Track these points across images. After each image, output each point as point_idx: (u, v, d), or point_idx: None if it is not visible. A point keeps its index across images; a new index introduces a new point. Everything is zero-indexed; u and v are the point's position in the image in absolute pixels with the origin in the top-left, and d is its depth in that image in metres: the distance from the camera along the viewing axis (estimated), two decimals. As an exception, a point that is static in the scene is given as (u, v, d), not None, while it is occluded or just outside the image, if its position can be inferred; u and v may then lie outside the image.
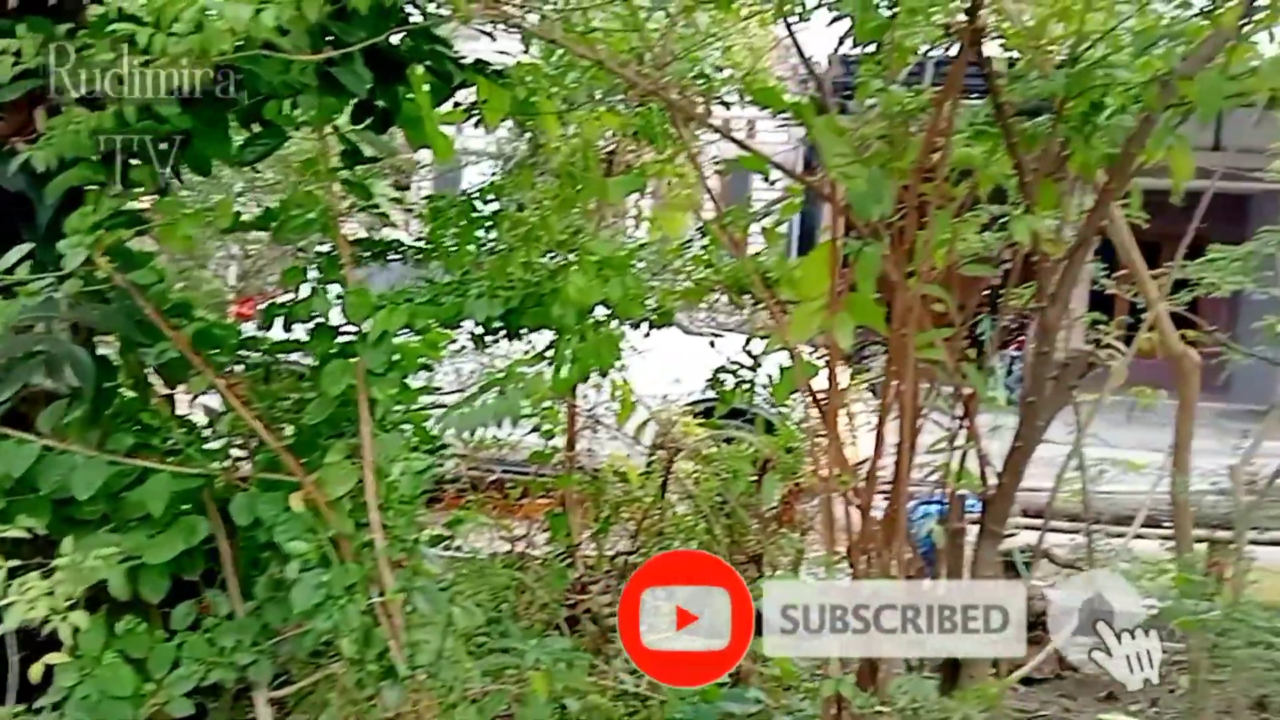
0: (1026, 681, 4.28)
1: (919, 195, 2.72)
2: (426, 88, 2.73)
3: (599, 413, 4.15)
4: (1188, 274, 4.32)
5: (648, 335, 3.24)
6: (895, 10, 2.71)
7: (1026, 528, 4.93)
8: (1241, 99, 2.50)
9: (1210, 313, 4.65)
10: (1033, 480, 5.25)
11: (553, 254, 2.90)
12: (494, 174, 4.41)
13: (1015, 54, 2.85)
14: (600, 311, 2.81)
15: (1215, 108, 2.28)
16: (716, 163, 4.02)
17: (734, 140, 2.88)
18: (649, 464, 4.35)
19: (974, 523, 4.97)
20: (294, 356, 2.84)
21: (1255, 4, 2.48)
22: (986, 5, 2.49)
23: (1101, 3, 2.69)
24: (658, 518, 4.21)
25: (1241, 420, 6.41)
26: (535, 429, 3.52)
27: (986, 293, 3.39)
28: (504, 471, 4.17)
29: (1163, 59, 2.59)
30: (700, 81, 3.84)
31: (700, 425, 4.21)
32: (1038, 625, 4.48)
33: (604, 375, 2.90)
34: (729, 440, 4.35)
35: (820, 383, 2.80)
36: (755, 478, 3.95)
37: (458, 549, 3.88)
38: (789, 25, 3.29)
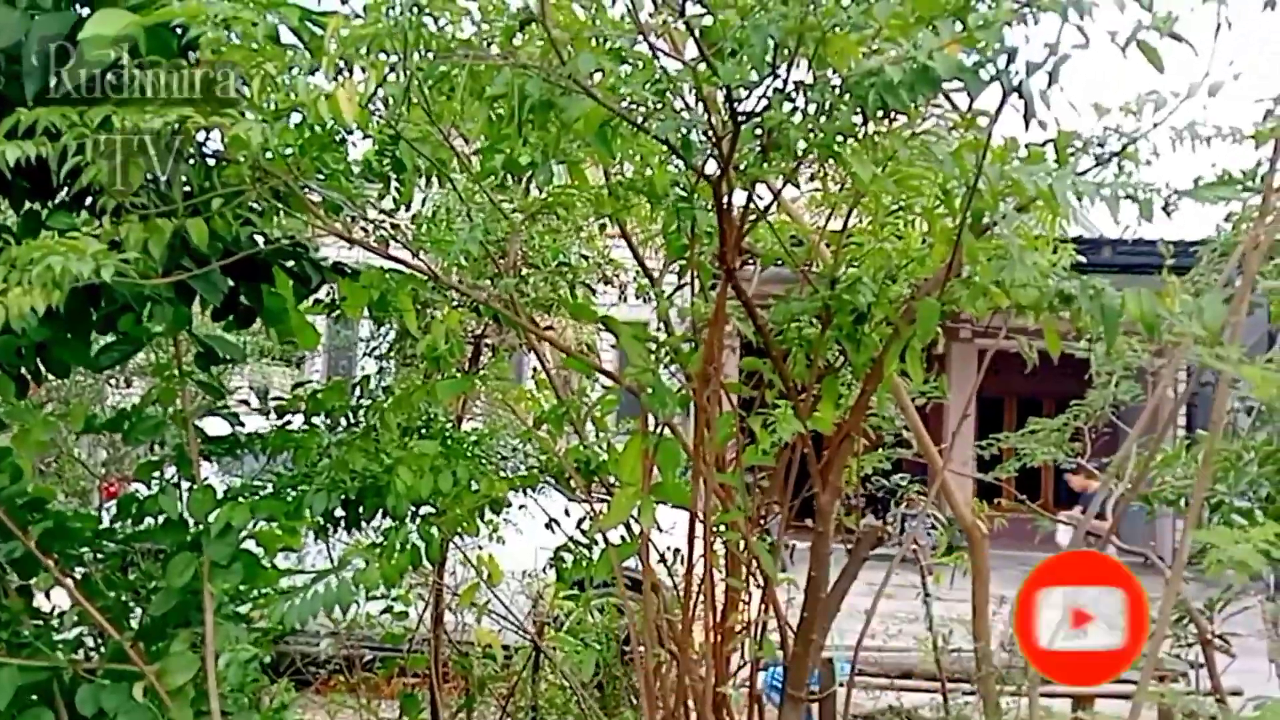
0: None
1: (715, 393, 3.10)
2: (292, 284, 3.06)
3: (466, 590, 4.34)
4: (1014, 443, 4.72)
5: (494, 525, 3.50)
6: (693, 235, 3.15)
7: (889, 688, 5.17)
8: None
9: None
10: (898, 641, 5.52)
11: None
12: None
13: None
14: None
15: (931, 330, 2.71)
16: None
17: (557, 346, 3.24)
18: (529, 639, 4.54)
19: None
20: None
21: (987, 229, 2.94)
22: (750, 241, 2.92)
23: (858, 233, 3.15)
24: (529, 693, 4.39)
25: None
26: (388, 610, 3.72)
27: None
28: (375, 650, 4.33)
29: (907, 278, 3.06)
30: (564, 269, 4.28)
31: (568, 599, 4.42)
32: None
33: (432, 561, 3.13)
34: (602, 610, 4.57)
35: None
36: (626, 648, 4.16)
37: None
38: (627, 237, 3.76)
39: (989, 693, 3.43)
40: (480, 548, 4.25)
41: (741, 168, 2.69)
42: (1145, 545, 4.78)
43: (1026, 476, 7.17)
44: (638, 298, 4.48)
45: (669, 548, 3.36)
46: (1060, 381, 4.67)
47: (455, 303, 3.89)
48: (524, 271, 4.14)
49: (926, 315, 2.73)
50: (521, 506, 4.15)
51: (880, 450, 4.35)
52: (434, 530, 3.01)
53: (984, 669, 3.45)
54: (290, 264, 3.05)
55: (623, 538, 3.27)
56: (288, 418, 3.29)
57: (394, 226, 3.75)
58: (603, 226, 4.09)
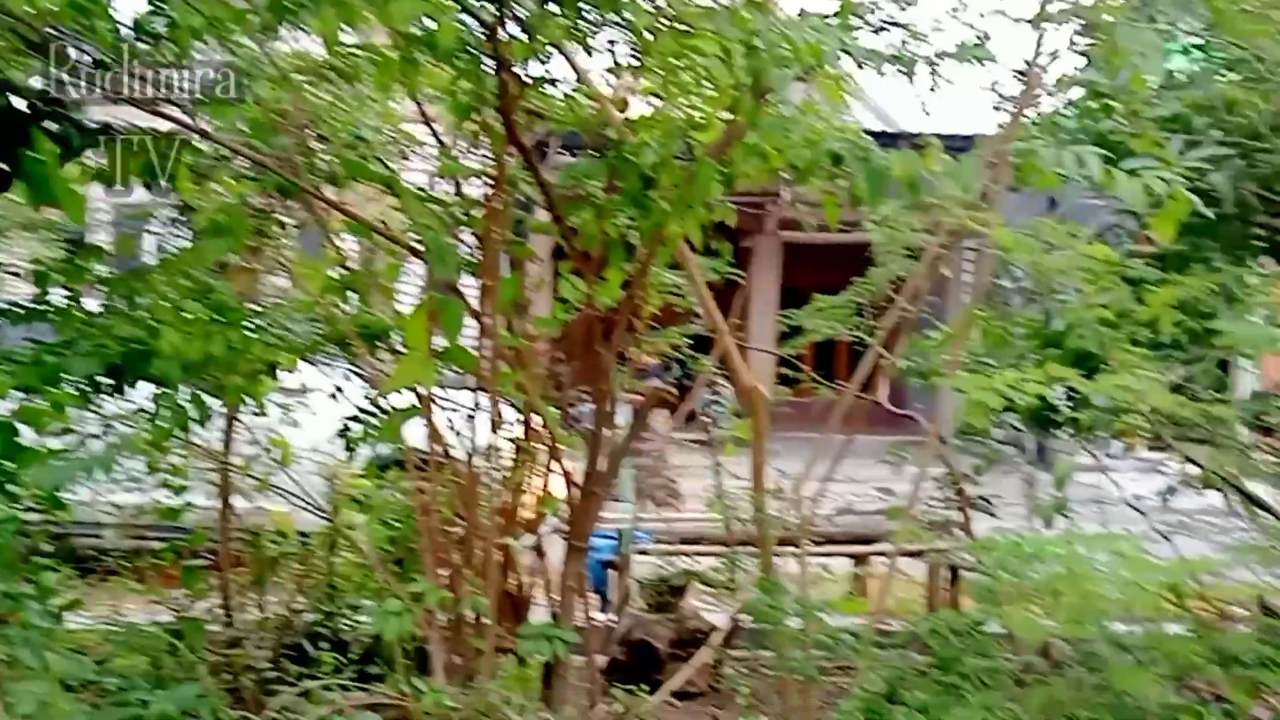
0: (682, 695, 4.66)
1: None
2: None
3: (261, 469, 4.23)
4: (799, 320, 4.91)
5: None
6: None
7: (681, 553, 5.40)
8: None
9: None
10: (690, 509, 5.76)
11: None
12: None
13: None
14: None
15: (710, 190, 2.77)
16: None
17: (342, 211, 3.14)
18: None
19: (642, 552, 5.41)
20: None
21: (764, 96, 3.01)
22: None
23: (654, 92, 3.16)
24: (326, 571, 4.35)
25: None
26: (165, 485, 3.60)
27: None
28: (163, 539, 4.18)
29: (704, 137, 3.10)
30: (357, 142, 4.12)
31: (363, 477, 4.37)
32: (693, 643, 4.92)
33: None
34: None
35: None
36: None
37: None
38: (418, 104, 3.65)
39: (767, 551, 3.62)
40: (272, 431, 4.14)
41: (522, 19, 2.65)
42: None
43: (824, 356, 7.50)
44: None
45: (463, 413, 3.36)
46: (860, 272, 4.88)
47: (239, 174, 3.70)
48: (312, 145, 3.97)
49: (705, 175, 2.78)
50: (314, 390, 4.07)
51: (681, 326, 4.45)
52: (205, 397, 2.89)
53: (762, 528, 3.63)
54: (51, 125, 2.82)
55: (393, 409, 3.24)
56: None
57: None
58: (391, 90, 3.94)
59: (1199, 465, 3.69)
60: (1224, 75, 4.46)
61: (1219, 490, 3.91)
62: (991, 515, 5.10)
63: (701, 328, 4.46)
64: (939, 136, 3.16)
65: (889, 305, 4.17)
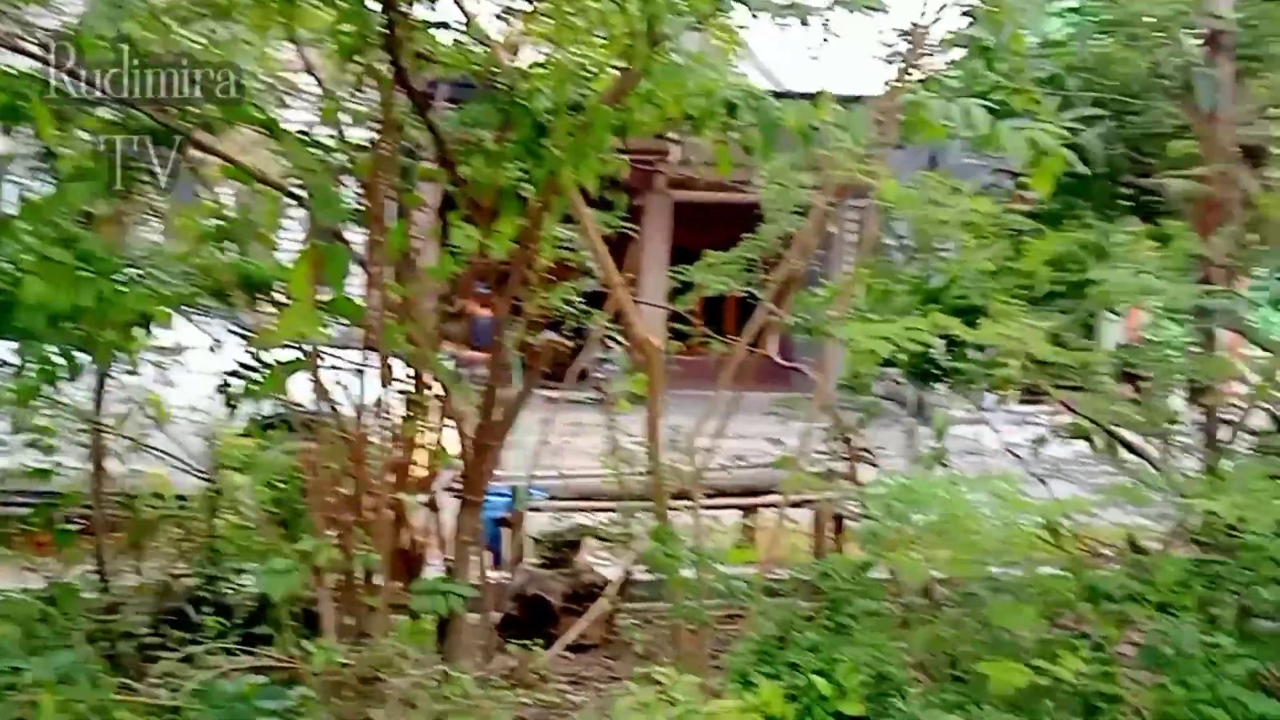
0: (576, 648, 4.68)
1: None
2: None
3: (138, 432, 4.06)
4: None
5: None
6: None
7: (575, 509, 5.41)
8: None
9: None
10: (585, 466, 5.77)
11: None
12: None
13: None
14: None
15: (606, 139, 2.74)
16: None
17: (214, 154, 3.00)
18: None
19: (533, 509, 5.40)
20: None
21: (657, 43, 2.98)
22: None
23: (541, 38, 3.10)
24: (208, 534, 4.21)
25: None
26: (33, 446, 3.42)
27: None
28: (30, 502, 3.97)
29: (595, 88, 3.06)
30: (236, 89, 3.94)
31: (245, 436, 4.22)
32: (588, 597, 4.94)
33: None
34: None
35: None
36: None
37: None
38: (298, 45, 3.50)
39: (661, 503, 3.64)
40: (147, 389, 3.97)
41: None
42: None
43: (714, 313, 7.53)
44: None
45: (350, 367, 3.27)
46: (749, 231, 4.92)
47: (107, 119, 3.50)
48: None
49: (600, 123, 2.75)
50: (191, 346, 3.90)
51: (574, 281, 4.41)
52: (75, 352, 2.75)
53: (656, 480, 3.65)
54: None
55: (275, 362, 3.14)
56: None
57: (28, 25, 3.31)
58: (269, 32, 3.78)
59: (1073, 411, 3.85)
60: (1098, 37, 4.62)
61: (1087, 439, 4.10)
62: (874, 466, 5.24)
63: (594, 284, 4.45)
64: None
65: (778, 261, 4.22)
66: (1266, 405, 3.98)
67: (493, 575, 4.60)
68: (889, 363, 4.49)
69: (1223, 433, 4.05)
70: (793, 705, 2.74)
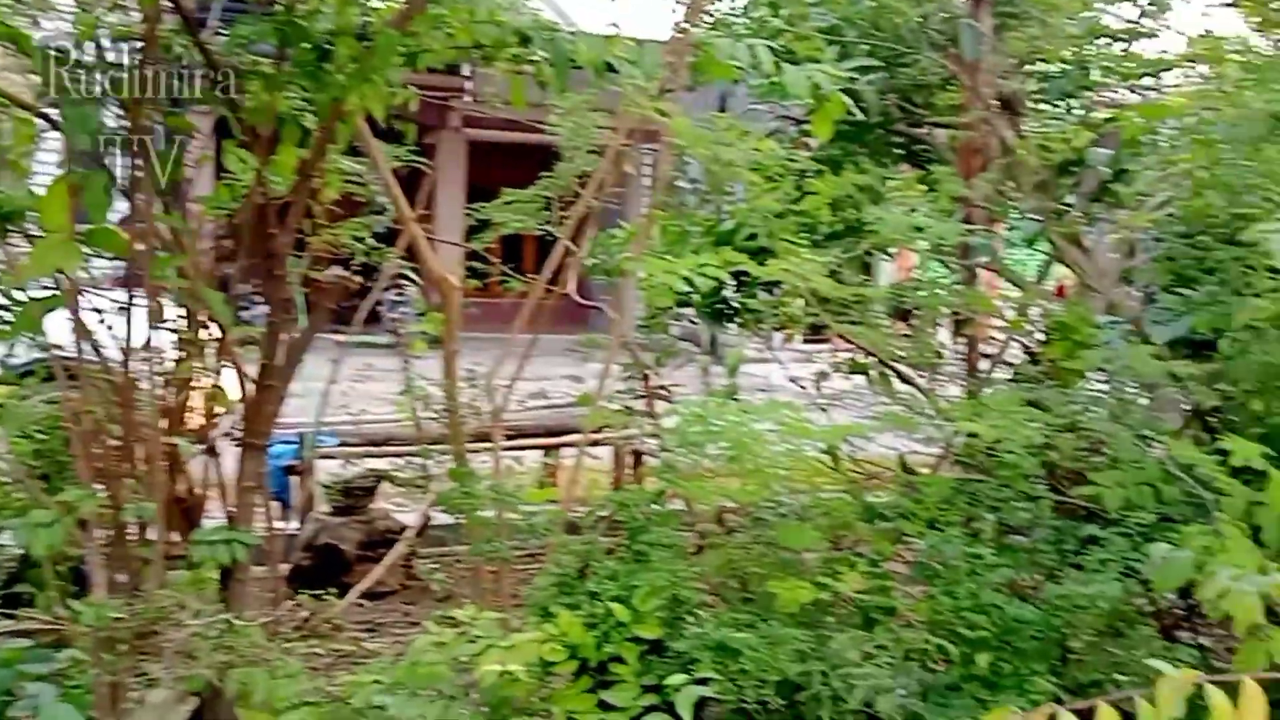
0: (373, 596, 4.60)
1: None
2: None
3: None
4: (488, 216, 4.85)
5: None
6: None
7: (368, 454, 5.29)
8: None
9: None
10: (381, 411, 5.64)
11: None
12: None
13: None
14: None
15: (391, 62, 2.64)
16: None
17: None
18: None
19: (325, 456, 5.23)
20: None
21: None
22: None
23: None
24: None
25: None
26: None
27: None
28: None
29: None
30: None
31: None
32: (384, 544, 4.85)
33: None
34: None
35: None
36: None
37: None
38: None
39: (459, 444, 3.60)
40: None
41: None
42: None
43: (513, 253, 7.46)
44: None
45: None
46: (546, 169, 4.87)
47: None
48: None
49: (386, 46, 2.64)
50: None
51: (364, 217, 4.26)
52: None
53: (454, 421, 3.61)
54: None
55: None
56: None
57: None
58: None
59: (853, 346, 4.06)
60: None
61: (865, 372, 4.34)
62: (671, 403, 5.38)
63: (386, 223, 4.31)
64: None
65: (575, 200, 4.22)
66: (1020, 339, 4.33)
67: (280, 524, 4.44)
68: (684, 303, 4.62)
69: (984, 364, 4.38)
70: (592, 633, 2.79)
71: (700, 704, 2.71)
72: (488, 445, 3.99)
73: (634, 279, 3.77)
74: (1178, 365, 3.51)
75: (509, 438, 4.89)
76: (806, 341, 6.46)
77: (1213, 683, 1.60)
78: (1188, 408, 3.69)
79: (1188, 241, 3.78)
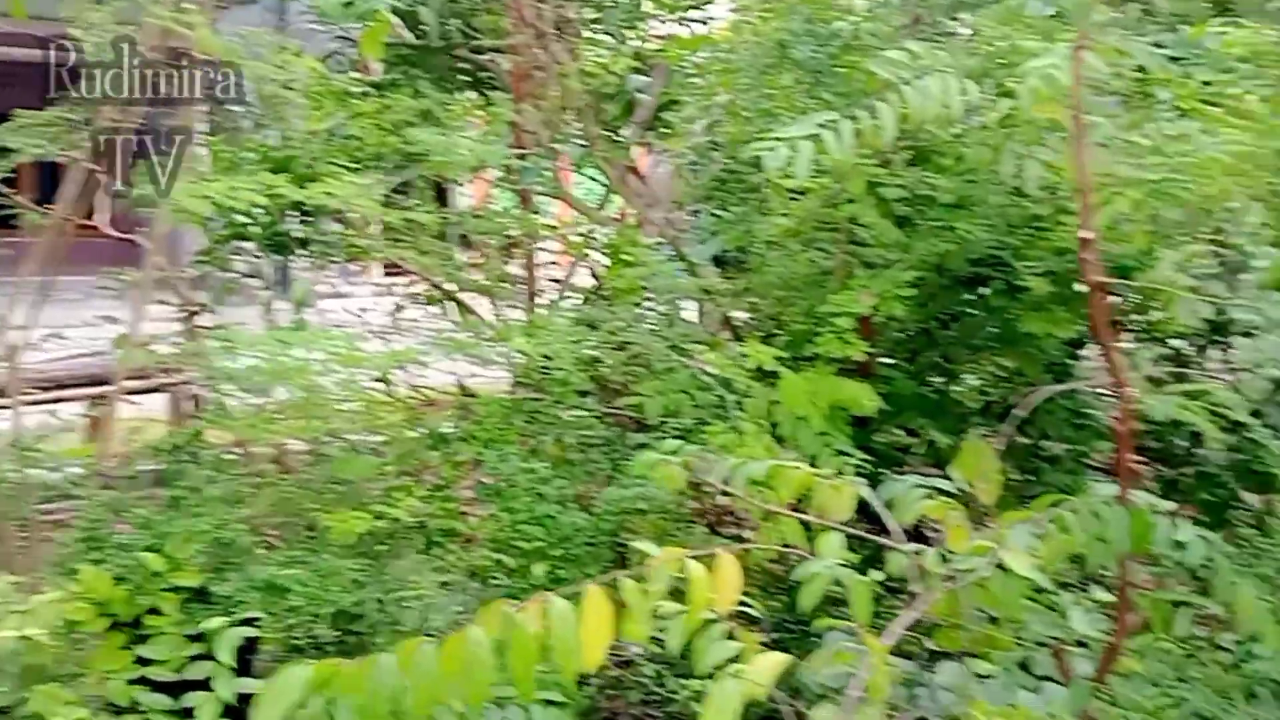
0: None
1: None
2: None
3: None
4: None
5: None
6: None
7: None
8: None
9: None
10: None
11: None
12: None
13: None
14: None
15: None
16: None
17: None
18: None
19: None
20: None
21: None
22: None
23: None
24: None
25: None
26: None
27: None
28: None
29: None
30: None
31: None
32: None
33: None
34: None
35: None
36: None
37: None
38: None
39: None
40: None
41: None
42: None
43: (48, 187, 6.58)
44: None
45: None
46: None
47: None
48: None
49: None
50: None
51: None
52: None
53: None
54: None
55: None
56: None
57: None
58: None
59: (415, 272, 4.02)
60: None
61: (439, 304, 4.32)
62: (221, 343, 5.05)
63: None
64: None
65: (109, 124, 3.79)
66: (587, 264, 4.50)
67: None
68: (243, 236, 4.32)
69: (555, 289, 4.52)
70: (122, 586, 2.57)
71: (249, 646, 2.59)
72: (7, 403, 3.54)
73: (168, 207, 3.47)
74: (712, 281, 3.83)
75: (44, 390, 4.38)
76: (387, 274, 6.34)
77: (695, 558, 1.77)
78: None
79: (723, 166, 4.09)
